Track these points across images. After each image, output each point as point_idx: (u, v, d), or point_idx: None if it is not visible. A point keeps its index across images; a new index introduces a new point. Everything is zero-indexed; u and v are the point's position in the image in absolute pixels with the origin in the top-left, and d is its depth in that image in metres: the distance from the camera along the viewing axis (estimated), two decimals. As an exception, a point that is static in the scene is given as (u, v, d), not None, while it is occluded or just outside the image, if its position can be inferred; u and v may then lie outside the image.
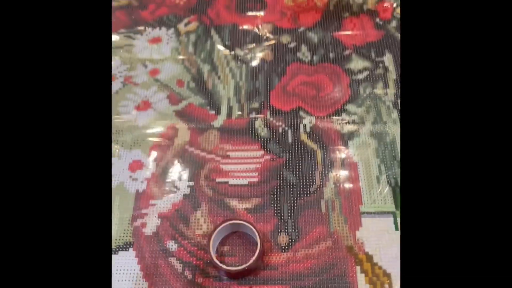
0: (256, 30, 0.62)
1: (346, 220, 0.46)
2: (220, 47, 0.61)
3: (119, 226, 0.47)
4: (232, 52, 0.60)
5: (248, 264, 0.41)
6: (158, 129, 0.53)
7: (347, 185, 0.48)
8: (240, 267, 0.42)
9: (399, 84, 0.55)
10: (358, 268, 0.43)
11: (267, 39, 0.61)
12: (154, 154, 0.52)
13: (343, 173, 0.49)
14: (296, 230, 0.45)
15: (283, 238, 0.45)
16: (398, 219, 0.45)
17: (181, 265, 0.44)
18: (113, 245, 0.46)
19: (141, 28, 0.64)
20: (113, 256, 0.45)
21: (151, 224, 0.47)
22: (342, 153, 0.50)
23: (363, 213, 0.46)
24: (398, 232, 0.44)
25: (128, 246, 0.45)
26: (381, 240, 0.44)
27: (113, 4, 0.67)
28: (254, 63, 0.58)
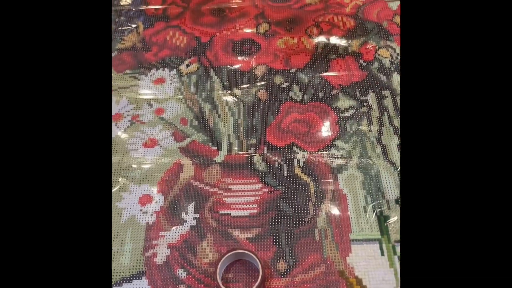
0: (251, 71, 0.68)
1: (338, 247, 0.51)
2: (218, 88, 0.66)
3: (132, 257, 0.51)
4: (230, 92, 0.66)
5: (251, 289, 0.46)
6: (165, 165, 0.59)
7: (338, 215, 0.53)
8: (244, 293, 0.46)
9: (383, 121, 0.61)
10: (349, 290, 0.48)
11: (263, 80, 0.67)
12: (162, 188, 0.56)
13: (334, 204, 0.54)
14: (293, 257, 0.50)
15: (281, 265, 0.50)
16: (384, 245, 0.51)
17: (190, 291, 0.49)
18: (127, 274, 0.50)
19: (145, 70, 0.69)
20: (127, 285, 0.49)
21: (162, 254, 0.51)
22: (332, 185, 0.56)
23: (353, 240, 0.52)
24: (384, 257, 0.50)
25: (141, 275, 0.50)
26: (369, 264, 0.50)
27: (119, 46, 0.73)
28: (251, 101, 0.64)
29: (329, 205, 0.54)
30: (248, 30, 0.74)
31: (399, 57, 0.68)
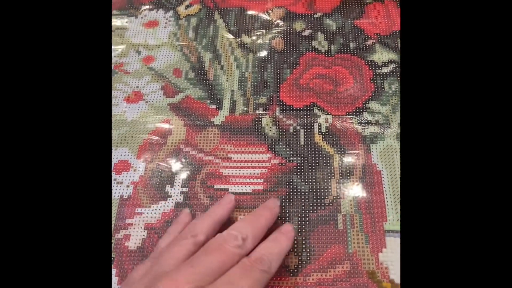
0: (265, 15, 0.54)
1: (368, 239, 0.38)
2: (223, 34, 0.53)
3: (99, 238, 0.39)
4: (238, 39, 0.52)
5: None
6: (150, 124, 0.46)
7: (369, 198, 0.40)
8: None
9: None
10: (382, 299, 0.35)
11: (278, 25, 0.53)
12: (143, 154, 0.44)
13: (365, 183, 0.41)
14: (308, 250, 0.38)
15: (291, 260, 0.38)
16: (431, 241, 0.38)
17: (169, 288, 0.37)
18: (90, 261, 0.38)
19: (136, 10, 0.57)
20: (90, 274, 0.38)
21: (136, 236, 0.40)
22: (363, 159, 0.43)
23: (388, 231, 0.39)
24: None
25: (107, 262, 0.38)
26: (410, 265, 0.37)
27: (107, -17, 0.60)
28: (263, 52, 0.51)
29: (358, 184, 0.41)
30: (264, -32, 0.60)
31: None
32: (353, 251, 0.38)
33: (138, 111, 0.47)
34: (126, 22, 0.55)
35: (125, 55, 0.52)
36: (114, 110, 0.48)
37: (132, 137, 0.46)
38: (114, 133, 0.46)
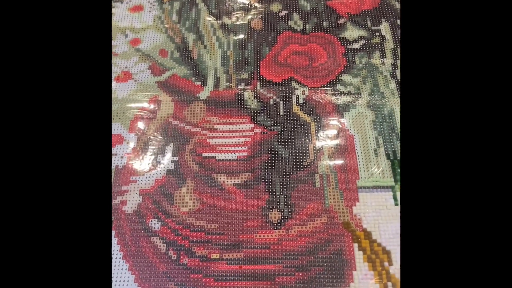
0: (244, -2, 0.58)
1: (342, 195, 0.43)
2: (205, 17, 0.56)
3: (97, 204, 0.43)
4: (219, 21, 0.56)
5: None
6: (140, 101, 0.50)
7: (343, 159, 0.45)
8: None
9: (398, 54, 0.52)
10: (355, 245, 0.40)
11: (256, 8, 0.57)
12: (135, 127, 0.48)
13: (339, 146, 0.45)
14: (289, 206, 0.42)
15: (275, 215, 0.42)
16: (398, 194, 0.42)
17: (165, 245, 0.41)
18: (90, 225, 0.42)
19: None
20: (91, 236, 0.41)
21: (132, 201, 0.43)
22: (337, 125, 0.47)
23: (360, 187, 0.43)
24: (398, 207, 0.42)
25: (106, 225, 0.42)
26: (380, 215, 0.41)
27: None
28: (243, 32, 0.55)
29: (333, 147, 0.45)
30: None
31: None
32: (329, 205, 0.42)
33: (128, 89, 0.51)
34: (113, 7, 0.58)
35: (113, 38, 0.55)
36: (105, 89, 0.51)
37: (123, 113, 0.49)
38: (106, 110, 0.49)
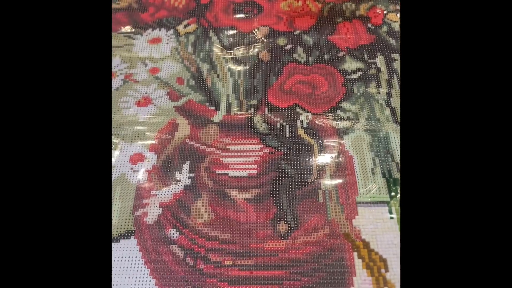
0: (253, 33, 0.64)
1: (343, 209, 0.47)
2: (217, 49, 0.62)
3: (121, 216, 0.47)
4: (230, 52, 0.62)
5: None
6: (159, 124, 0.55)
7: (343, 177, 0.49)
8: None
9: (392, 84, 0.57)
10: (355, 254, 0.44)
11: (263, 41, 0.63)
12: (154, 147, 0.53)
13: (339, 166, 0.50)
14: (295, 219, 0.47)
15: (282, 226, 0.46)
16: (393, 208, 0.47)
17: (183, 252, 0.45)
18: (115, 234, 0.46)
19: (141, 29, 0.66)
20: (115, 244, 0.45)
21: (152, 213, 0.48)
22: (338, 147, 0.52)
23: (359, 202, 0.48)
24: (394, 220, 0.46)
25: (129, 234, 0.46)
26: (377, 227, 0.46)
27: (114, 6, 0.69)
28: (252, 63, 0.61)
29: (334, 166, 0.50)
30: (250, -7, 0.70)
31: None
32: (331, 218, 0.47)
33: (148, 112, 0.56)
34: (133, 39, 0.64)
35: (133, 67, 0.61)
36: (128, 112, 0.56)
37: (144, 134, 0.54)
38: (129, 131, 0.54)
